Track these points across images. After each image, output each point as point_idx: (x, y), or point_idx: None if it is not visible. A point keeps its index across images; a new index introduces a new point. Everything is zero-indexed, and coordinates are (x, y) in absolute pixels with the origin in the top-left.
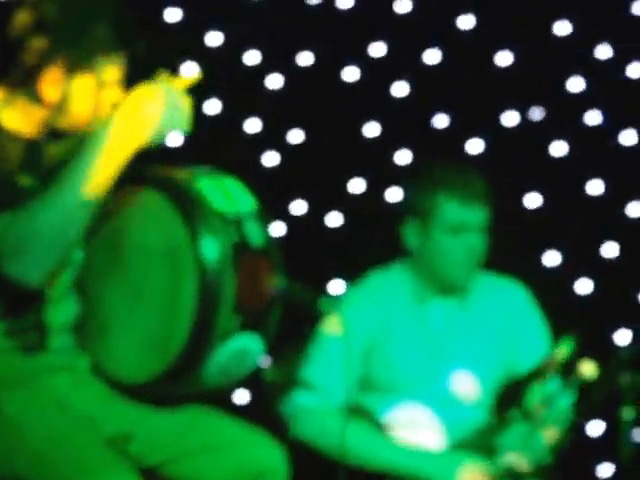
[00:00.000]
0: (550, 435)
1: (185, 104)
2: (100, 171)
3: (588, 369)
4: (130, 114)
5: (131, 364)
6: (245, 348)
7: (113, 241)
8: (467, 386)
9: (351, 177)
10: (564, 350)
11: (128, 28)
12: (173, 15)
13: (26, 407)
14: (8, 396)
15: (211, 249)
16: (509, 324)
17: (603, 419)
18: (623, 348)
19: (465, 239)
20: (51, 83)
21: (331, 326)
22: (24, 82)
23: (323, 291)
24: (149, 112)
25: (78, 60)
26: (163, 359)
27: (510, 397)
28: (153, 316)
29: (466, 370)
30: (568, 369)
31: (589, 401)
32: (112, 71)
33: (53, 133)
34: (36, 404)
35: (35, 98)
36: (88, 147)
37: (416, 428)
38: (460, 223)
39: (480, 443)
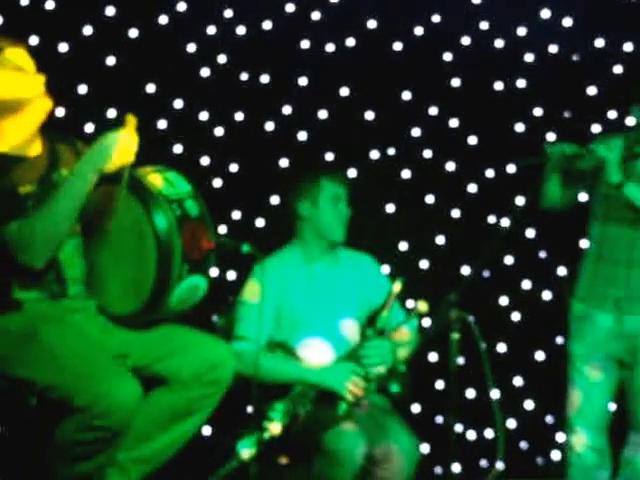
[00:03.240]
0: (402, 350)
1: (133, 142)
2: (78, 189)
3: (423, 306)
4: (97, 151)
5: (120, 302)
6: (195, 284)
7: (101, 222)
8: (351, 330)
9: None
10: (397, 287)
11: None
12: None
13: (56, 336)
14: (43, 329)
15: (162, 221)
16: (366, 276)
17: (438, 343)
18: (451, 293)
19: (340, 207)
20: None
21: (250, 295)
22: None
23: (244, 241)
24: (110, 149)
25: None
26: (140, 297)
27: (368, 322)
28: (130, 269)
29: (350, 317)
30: (410, 306)
31: (430, 329)
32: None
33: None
34: (62, 333)
35: None
36: (70, 174)
37: (316, 352)
38: (336, 195)
39: (352, 355)
